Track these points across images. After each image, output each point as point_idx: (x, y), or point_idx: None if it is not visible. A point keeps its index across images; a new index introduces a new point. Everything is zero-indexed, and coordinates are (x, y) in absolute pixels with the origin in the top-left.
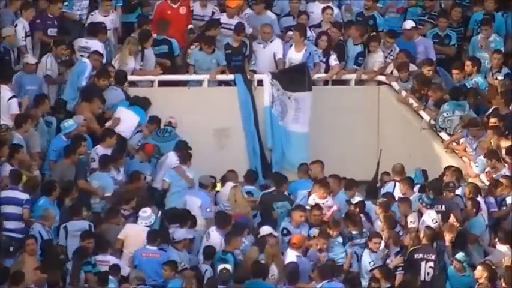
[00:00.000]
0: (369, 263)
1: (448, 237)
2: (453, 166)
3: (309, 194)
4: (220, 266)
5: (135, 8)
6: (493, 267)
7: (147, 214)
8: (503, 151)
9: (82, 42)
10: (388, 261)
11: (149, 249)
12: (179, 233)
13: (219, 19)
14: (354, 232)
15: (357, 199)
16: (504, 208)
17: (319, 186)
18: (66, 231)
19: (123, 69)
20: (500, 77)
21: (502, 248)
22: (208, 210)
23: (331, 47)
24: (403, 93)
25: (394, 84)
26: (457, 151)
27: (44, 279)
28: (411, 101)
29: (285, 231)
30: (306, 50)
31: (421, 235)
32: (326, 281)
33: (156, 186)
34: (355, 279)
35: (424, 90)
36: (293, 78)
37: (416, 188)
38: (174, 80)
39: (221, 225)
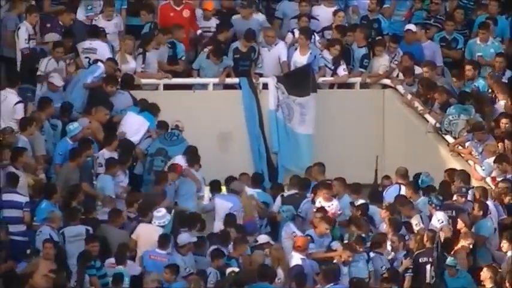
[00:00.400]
0: (381, 267)
1: (465, 243)
2: (461, 170)
3: (313, 198)
4: (229, 269)
5: (139, 12)
6: (500, 270)
7: (161, 214)
8: None
9: (86, 44)
10: (395, 264)
11: (158, 252)
12: (183, 237)
13: (229, 22)
14: (363, 235)
15: (360, 202)
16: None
17: (322, 187)
18: (63, 237)
19: (130, 73)
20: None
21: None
22: (241, 214)
23: (341, 56)
24: (408, 96)
25: (399, 87)
26: (462, 154)
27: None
28: (416, 104)
29: (309, 238)
30: (310, 53)
31: (425, 238)
32: (331, 284)
33: None
34: (360, 283)
35: (430, 94)
36: (297, 82)
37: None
38: (178, 84)
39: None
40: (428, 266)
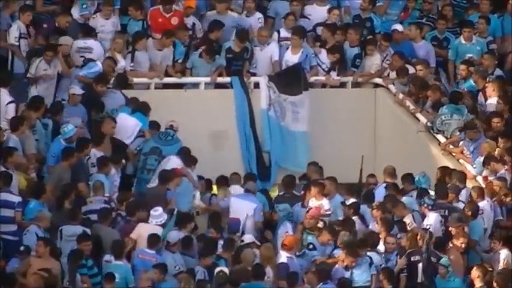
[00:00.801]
0: (381, 265)
1: (457, 243)
2: (458, 170)
3: (303, 195)
4: (217, 269)
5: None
6: (490, 269)
7: (158, 213)
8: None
9: (80, 43)
10: (389, 264)
11: (146, 252)
12: (173, 235)
13: (220, 21)
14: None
15: (351, 200)
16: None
17: (313, 186)
18: (60, 235)
19: (123, 73)
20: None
21: (504, 251)
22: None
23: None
24: (400, 95)
25: (391, 86)
26: (453, 153)
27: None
28: (408, 103)
29: (311, 246)
30: (302, 52)
31: (419, 237)
32: (321, 283)
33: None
34: (346, 283)
35: (422, 93)
36: (289, 81)
37: (415, 193)
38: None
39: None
40: (420, 265)
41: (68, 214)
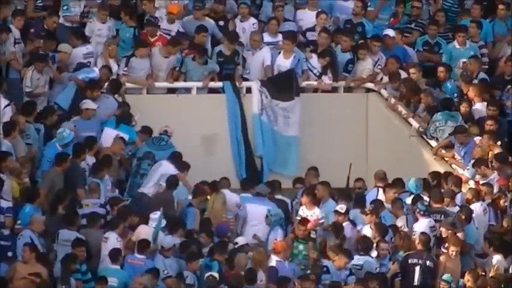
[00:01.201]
0: (375, 268)
1: (450, 251)
2: (455, 174)
3: (300, 203)
4: (207, 274)
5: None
6: (482, 273)
7: (157, 216)
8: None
9: (83, 49)
10: (384, 269)
11: (136, 256)
12: (167, 240)
13: (203, 25)
14: None
15: (344, 208)
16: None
17: (306, 195)
18: (57, 239)
19: (117, 78)
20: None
21: (496, 257)
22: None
23: (331, 66)
24: (392, 100)
25: (383, 91)
26: (446, 158)
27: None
28: (400, 108)
29: (325, 269)
30: (294, 57)
31: (417, 241)
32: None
33: (146, 192)
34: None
35: (413, 97)
36: (281, 86)
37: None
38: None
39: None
40: (417, 268)
41: (65, 219)
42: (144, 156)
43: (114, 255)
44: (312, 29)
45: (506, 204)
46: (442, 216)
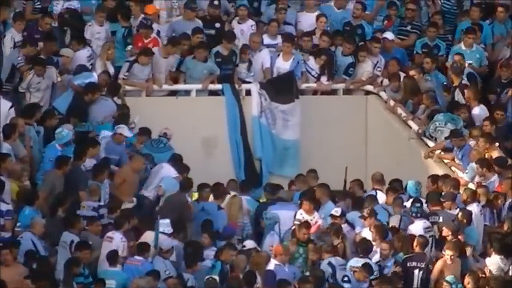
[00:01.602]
0: (374, 272)
1: (447, 255)
2: (452, 177)
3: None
4: (207, 276)
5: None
6: (482, 275)
7: (167, 222)
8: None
9: (86, 52)
10: (386, 271)
11: (135, 258)
12: (166, 242)
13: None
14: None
15: (339, 211)
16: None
17: (306, 200)
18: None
19: (115, 81)
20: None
21: (495, 258)
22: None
23: (328, 67)
24: (391, 102)
25: (382, 93)
26: (445, 161)
27: None
28: (399, 110)
29: (346, 279)
30: (293, 59)
31: (415, 243)
32: None
33: (147, 195)
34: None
35: (413, 97)
36: (281, 89)
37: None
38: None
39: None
40: (416, 271)
41: (65, 221)
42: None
43: (112, 257)
44: (309, 34)
45: (501, 203)
46: (441, 218)
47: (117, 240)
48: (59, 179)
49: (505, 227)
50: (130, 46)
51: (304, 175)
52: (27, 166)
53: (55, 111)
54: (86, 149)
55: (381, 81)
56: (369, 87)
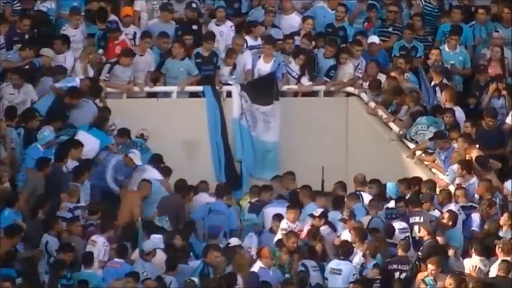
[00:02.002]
0: (353, 275)
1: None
2: (428, 179)
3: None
4: (186, 278)
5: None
6: (463, 276)
7: (158, 238)
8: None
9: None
10: (365, 272)
11: (115, 260)
12: (148, 244)
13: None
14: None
15: (319, 211)
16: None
17: (290, 210)
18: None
19: (97, 83)
20: None
21: (475, 259)
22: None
23: (308, 66)
24: (372, 104)
25: (363, 95)
26: (426, 162)
27: None
28: (380, 112)
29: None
30: (274, 61)
31: (398, 246)
32: None
33: None
34: None
35: (396, 98)
36: (261, 90)
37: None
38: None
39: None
40: (397, 274)
41: (45, 224)
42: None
43: (87, 258)
44: (292, 35)
45: (494, 211)
46: (421, 218)
47: (99, 245)
48: (40, 180)
49: (486, 227)
50: (101, 49)
51: (281, 176)
52: (7, 168)
53: (36, 112)
54: (67, 150)
55: (361, 84)
56: (350, 89)
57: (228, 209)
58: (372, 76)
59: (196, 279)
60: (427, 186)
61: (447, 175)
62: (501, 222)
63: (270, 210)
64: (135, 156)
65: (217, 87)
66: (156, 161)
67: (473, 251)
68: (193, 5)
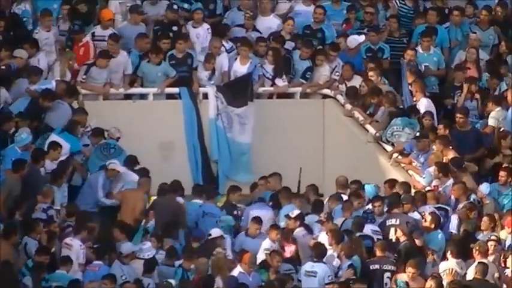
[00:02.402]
0: (329, 276)
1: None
2: (403, 181)
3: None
4: (163, 280)
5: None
6: (441, 279)
7: (146, 247)
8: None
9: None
10: (340, 273)
11: (94, 263)
12: (126, 246)
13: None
14: None
15: (295, 212)
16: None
17: (272, 229)
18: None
19: (72, 85)
20: None
21: (452, 261)
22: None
23: (279, 65)
24: (348, 106)
25: (339, 97)
26: (403, 164)
27: None
28: (357, 114)
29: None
30: (251, 62)
31: (376, 247)
32: None
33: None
34: None
35: (374, 98)
36: (236, 92)
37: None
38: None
39: None
40: (388, 274)
41: (25, 226)
42: (99, 170)
43: (64, 260)
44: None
45: (474, 216)
46: (398, 220)
47: (76, 248)
48: (16, 182)
49: (463, 228)
50: (67, 49)
51: (267, 176)
52: None
53: (12, 114)
54: (45, 152)
55: (337, 86)
56: (327, 91)
57: (220, 212)
58: (347, 78)
59: (173, 282)
60: (402, 188)
61: (424, 177)
62: (482, 227)
63: (254, 213)
64: (116, 165)
65: (194, 89)
66: (131, 162)
67: (449, 253)
68: (174, 7)
